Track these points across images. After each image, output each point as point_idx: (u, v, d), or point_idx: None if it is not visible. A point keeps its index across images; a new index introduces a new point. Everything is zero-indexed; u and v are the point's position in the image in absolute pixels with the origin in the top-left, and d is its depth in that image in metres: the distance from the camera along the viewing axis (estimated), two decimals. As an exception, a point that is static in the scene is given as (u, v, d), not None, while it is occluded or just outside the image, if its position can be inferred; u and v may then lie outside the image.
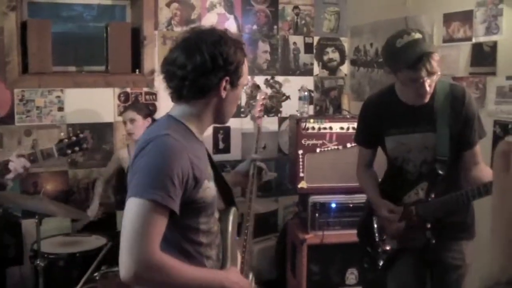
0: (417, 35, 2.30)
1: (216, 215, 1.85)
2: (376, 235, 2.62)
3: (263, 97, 2.37)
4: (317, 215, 3.61)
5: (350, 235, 3.60)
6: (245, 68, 1.79)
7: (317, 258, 3.63)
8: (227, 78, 1.72)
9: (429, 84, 2.30)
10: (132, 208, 1.53)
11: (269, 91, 4.56)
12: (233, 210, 1.94)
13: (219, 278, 1.71)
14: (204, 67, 1.68)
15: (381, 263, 2.59)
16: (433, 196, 2.40)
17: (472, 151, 2.45)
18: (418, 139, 2.46)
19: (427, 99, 2.38)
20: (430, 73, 2.26)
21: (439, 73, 2.31)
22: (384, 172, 2.72)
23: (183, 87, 1.70)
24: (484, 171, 2.38)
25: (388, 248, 2.56)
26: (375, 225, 2.63)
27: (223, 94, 1.74)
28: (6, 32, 3.82)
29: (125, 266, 1.49)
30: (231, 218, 1.91)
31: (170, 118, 1.76)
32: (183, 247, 1.70)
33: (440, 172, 2.37)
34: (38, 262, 3.10)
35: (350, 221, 3.64)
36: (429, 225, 2.39)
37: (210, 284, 1.67)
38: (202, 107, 1.75)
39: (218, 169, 1.90)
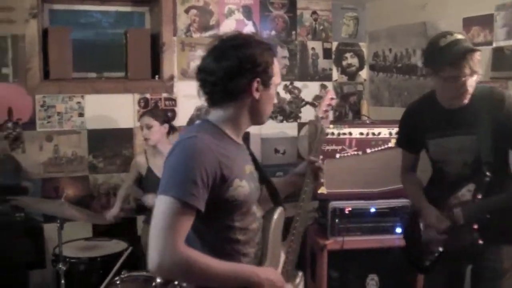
0: (460, 36, 2.40)
1: (258, 213, 1.89)
2: (422, 237, 2.64)
3: (330, 97, 2.30)
4: (337, 220, 3.59)
5: (370, 241, 3.61)
6: (275, 67, 1.86)
7: (337, 264, 3.60)
8: (258, 79, 1.79)
9: (470, 84, 2.37)
10: (159, 205, 1.63)
11: (288, 96, 4.58)
12: (278, 210, 1.97)
13: (246, 272, 1.74)
14: (232, 71, 1.75)
15: (426, 265, 2.64)
16: (480, 197, 2.42)
17: None
18: (457, 142, 2.52)
19: (466, 100, 2.43)
20: (472, 72, 2.33)
21: (479, 73, 2.39)
22: (430, 176, 2.77)
23: (215, 92, 1.80)
24: None
25: (433, 250, 2.59)
26: (421, 228, 2.66)
27: (256, 95, 1.80)
28: (28, 39, 3.87)
29: (150, 258, 1.59)
30: (275, 217, 1.94)
31: (206, 122, 1.85)
32: (218, 245, 1.76)
33: (487, 173, 2.38)
34: (59, 266, 3.13)
35: (371, 226, 3.63)
36: (476, 226, 2.42)
37: (235, 277, 1.70)
38: (236, 109, 1.83)
39: (263, 170, 1.97)
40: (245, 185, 1.78)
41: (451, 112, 2.50)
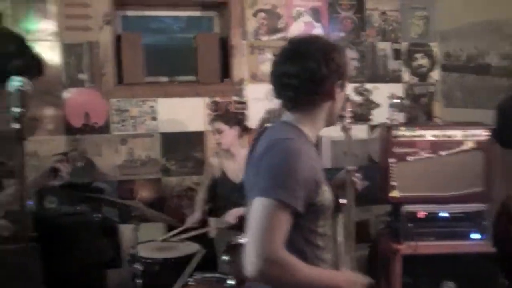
0: None
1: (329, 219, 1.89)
2: None
3: (349, 109, 2.39)
4: (409, 225, 3.52)
5: (444, 246, 3.52)
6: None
7: (410, 269, 3.52)
8: (339, 81, 1.78)
9: None
10: (259, 207, 1.60)
11: (358, 98, 4.53)
12: (340, 216, 2.00)
13: (336, 278, 1.74)
14: (320, 73, 1.72)
15: None
16: None
17: None
18: None
19: None
20: None
21: None
22: None
23: (300, 95, 1.76)
24: None
25: None
26: None
27: (337, 97, 1.80)
28: (102, 45, 4.01)
29: (251, 262, 1.55)
30: (339, 223, 1.98)
31: (286, 123, 1.82)
32: (302, 249, 1.74)
33: None
34: (135, 265, 3.20)
35: (445, 231, 3.54)
36: None
37: (328, 283, 1.70)
38: (317, 111, 1.81)
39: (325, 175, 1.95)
40: (328, 190, 1.77)
41: None
